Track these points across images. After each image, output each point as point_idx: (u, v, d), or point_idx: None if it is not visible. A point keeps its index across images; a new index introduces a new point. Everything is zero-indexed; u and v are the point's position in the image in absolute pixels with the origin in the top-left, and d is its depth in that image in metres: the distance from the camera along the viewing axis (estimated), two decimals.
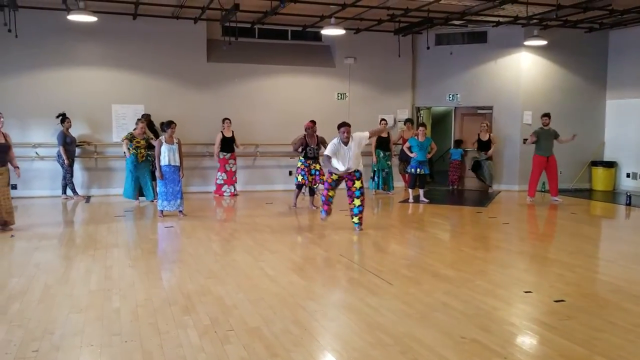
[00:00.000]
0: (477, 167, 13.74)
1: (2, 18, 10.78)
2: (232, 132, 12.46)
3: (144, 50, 12.70)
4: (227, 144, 12.46)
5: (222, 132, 12.40)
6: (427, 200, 11.91)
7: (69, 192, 11.90)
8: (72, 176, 11.86)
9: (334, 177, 8.43)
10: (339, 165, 8.28)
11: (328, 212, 8.73)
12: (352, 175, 8.38)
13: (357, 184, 8.41)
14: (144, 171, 11.08)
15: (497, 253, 7.51)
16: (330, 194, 8.60)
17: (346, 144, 8.23)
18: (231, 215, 10.83)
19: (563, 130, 12.11)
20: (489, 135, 13.47)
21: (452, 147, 14.76)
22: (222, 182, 12.56)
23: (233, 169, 12.62)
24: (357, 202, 8.45)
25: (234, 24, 11.86)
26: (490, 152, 13.48)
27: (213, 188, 12.85)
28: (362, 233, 8.50)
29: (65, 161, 11.56)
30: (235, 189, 12.69)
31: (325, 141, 10.01)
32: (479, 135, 13.57)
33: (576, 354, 4.01)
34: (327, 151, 8.28)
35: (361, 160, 8.51)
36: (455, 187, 14.27)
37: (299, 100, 13.74)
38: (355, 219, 8.56)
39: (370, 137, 8.65)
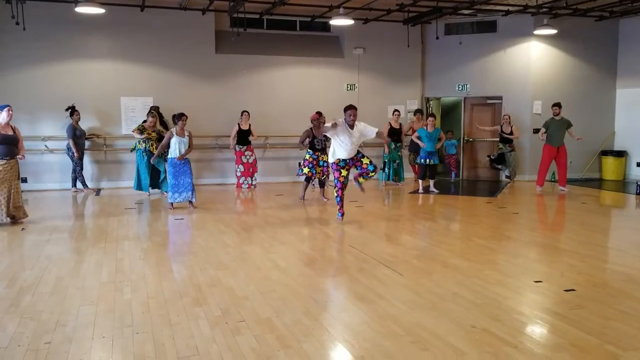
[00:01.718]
0: (500, 159, 13.62)
1: (9, 11, 10.80)
2: (250, 124, 12.46)
3: (152, 42, 12.70)
4: (243, 137, 12.44)
5: (238, 124, 12.39)
6: (436, 191, 11.89)
7: (79, 185, 11.96)
8: (82, 169, 11.91)
9: (342, 172, 8.30)
10: (341, 150, 8.20)
11: (344, 215, 8.63)
12: (356, 159, 8.32)
13: (365, 160, 8.33)
14: (159, 163, 11.12)
15: (507, 243, 7.48)
16: (343, 193, 8.52)
17: (351, 127, 8.11)
18: (241, 207, 10.85)
19: (573, 119, 12.03)
20: (511, 127, 13.35)
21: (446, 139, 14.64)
22: (240, 174, 12.56)
23: (250, 161, 12.59)
24: (372, 174, 8.39)
25: (242, 15, 11.84)
26: (515, 135, 13.32)
27: (223, 180, 12.89)
28: (372, 224, 8.51)
29: (75, 154, 11.61)
30: (252, 181, 12.66)
31: None
32: (501, 127, 13.46)
33: (587, 343, 4.00)
34: (328, 124, 8.16)
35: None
36: (457, 178, 14.35)
37: (308, 91, 13.72)
38: (361, 179, 8.40)
39: (375, 137, 8.43)
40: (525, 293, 5.25)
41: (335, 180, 8.46)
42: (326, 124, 8.28)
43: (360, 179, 8.40)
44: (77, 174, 11.87)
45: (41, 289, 5.26)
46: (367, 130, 8.23)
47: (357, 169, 8.41)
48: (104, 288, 5.32)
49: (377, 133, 8.34)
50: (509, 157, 13.51)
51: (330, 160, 8.42)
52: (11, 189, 8.28)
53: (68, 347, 3.96)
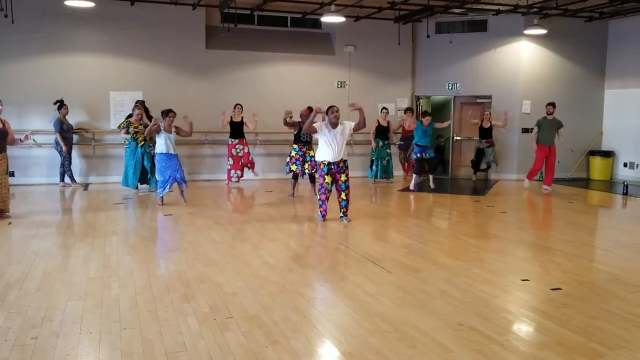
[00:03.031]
0: (480, 155, 13.63)
1: None
2: (242, 117, 12.32)
3: (141, 36, 12.63)
4: (236, 130, 12.30)
5: (231, 116, 12.26)
6: (433, 187, 11.90)
7: (67, 179, 11.89)
8: (70, 163, 11.84)
9: (326, 178, 8.18)
10: (328, 151, 8.13)
11: (324, 216, 8.41)
12: (339, 168, 8.22)
13: (343, 177, 8.25)
14: (144, 157, 11.06)
15: (494, 241, 7.52)
16: (327, 195, 8.32)
17: (334, 126, 8.11)
18: (230, 203, 10.83)
19: (562, 119, 12.09)
20: (491, 123, 13.38)
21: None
22: (230, 167, 12.47)
23: (239, 154, 12.38)
24: (343, 195, 8.33)
25: (233, 10, 11.81)
26: (498, 124, 13.32)
27: (212, 176, 12.91)
28: (361, 222, 8.52)
29: (63, 148, 11.54)
30: (249, 171, 12.54)
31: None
32: (481, 123, 13.48)
33: (572, 342, 4.03)
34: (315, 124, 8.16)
35: (346, 150, 8.34)
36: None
37: (299, 88, 13.69)
38: (341, 212, 8.43)
39: (355, 130, 8.36)
40: (512, 291, 5.29)
41: (319, 186, 8.34)
42: (312, 121, 8.24)
43: (341, 213, 8.42)
44: (66, 168, 11.79)
45: (28, 284, 5.24)
46: (346, 126, 8.20)
47: (334, 184, 8.30)
48: (92, 283, 5.29)
49: (356, 124, 8.26)
50: (487, 152, 13.54)
51: (317, 158, 8.33)
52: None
53: (55, 343, 3.94)
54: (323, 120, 8.51)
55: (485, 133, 13.42)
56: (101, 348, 3.88)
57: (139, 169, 11.09)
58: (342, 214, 8.44)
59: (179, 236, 7.72)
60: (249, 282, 5.35)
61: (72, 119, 11.97)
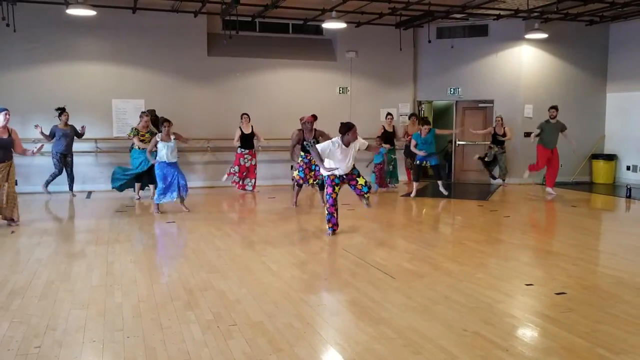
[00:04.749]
0: (492, 161, 13.57)
1: (0, 12, 10.75)
2: (252, 127, 12.24)
3: (143, 44, 12.67)
4: (247, 141, 12.18)
5: (240, 127, 12.16)
6: (446, 192, 11.59)
7: (50, 187, 11.77)
8: (59, 172, 11.69)
9: (335, 189, 7.84)
10: (337, 165, 7.72)
11: (335, 230, 7.97)
12: (351, 175, 7.94)
13: (361, 180, 7.96)
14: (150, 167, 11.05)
15: (498, 246, 7.50)
16: (336, 209, 7.91)
17: (348, 144, 7.71)
18: (233, 210, 10.83)
19: (564, 123, 12.08)
20: (504, 128, 13.31)
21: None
22: (233, 172, 12.34)
23: (247, 164, 12.29)
24: (361, 180, 7.96)
25: (235, 18, 11.84)
26: (508, 136, 13.24)
27: (214, 183, 12.93)
28: (364, 227, 8.50)
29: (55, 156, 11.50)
30: (246, 183, 12.39)
31: (325, 134, 9.90)
32: (494, 129, 13.43)
33: (578, 346, 4.01)
34: (320, 146, 7.71)
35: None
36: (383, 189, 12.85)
37: (300, 94, 13.72)
38: (366, 198, 8.06)
39: (367, 149, 8.16)
40: (516, 296, 5.26)
41: (327, 196, 7.91)
42: (320, 148, 7.78)
43: (365, 198, 8.10)
44: (52, 175, 11.68)
45: (31, 293, 5.23)
46: (359, 144, 7.82)
47: (351, 188, 8.08)
48: (95, 292, 5.28)
49: (368, 146, 8.07)
50: (500, 158, 13.52)
51: (324, 172, 7.85)
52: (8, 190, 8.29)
53: (58, 352, 3.93)
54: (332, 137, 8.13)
55: (498, 139, 13.28)
56: (104, 357, 3.87)
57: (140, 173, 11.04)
58: (365, 197, 8.07)
59: (181, 243, 7.72)
60: (252, 289, 5.34)
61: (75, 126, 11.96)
